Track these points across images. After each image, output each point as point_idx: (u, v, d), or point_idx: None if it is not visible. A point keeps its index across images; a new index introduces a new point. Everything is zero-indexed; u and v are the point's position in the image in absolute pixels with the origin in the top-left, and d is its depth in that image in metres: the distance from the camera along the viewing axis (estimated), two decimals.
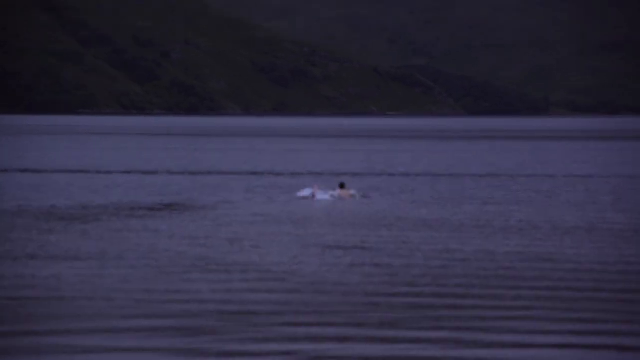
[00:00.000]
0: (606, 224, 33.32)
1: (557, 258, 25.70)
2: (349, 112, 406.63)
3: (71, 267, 24.19)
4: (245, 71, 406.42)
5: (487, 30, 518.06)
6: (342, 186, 42.73)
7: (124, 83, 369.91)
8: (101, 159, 74.73)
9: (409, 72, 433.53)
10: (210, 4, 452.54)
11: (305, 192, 42.75)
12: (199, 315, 18.83)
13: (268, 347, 16.28)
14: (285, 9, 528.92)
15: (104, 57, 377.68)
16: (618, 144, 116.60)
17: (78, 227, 31.88)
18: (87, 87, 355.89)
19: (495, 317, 18.49)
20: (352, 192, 42.15)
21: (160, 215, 36.06)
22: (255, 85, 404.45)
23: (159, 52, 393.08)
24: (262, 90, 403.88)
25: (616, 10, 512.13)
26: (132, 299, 20.39)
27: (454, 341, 16.51)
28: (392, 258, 25.65)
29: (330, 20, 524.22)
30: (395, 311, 19.14)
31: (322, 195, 42.06)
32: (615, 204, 40.56)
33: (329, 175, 54.36)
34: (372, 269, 23.91)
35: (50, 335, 17.07)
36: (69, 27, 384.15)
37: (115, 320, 18.37)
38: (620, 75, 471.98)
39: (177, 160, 73.65)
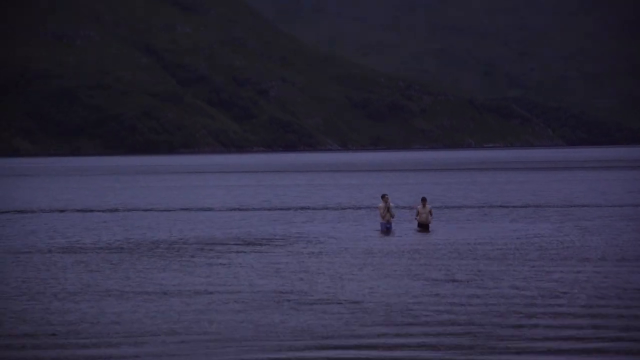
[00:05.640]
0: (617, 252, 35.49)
1: None
2: (445, 145, 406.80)
3: (174, 303, 24.91)
4: (341, 107, 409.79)
5: (582, 60, 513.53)
6: (423, 200, 43.78)
7: (222, 121, 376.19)
8: (169, 198, 76.64)
9: (504, 104, 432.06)
10: (305, 41, 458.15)
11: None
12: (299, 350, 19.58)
13: None
14: (379, 45, 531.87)
15: (203, 96, 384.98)
16: None
17: (163, 263, 32.95)
18: (187, 127, 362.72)
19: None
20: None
21: (251, 250, 36.69)
22: (351, 120, 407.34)
23: (256, 90, 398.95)
24: (358, 125, 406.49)
25: None
26: (237, 336, 20.87)
27: None
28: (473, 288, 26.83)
29: (424, 54, 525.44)
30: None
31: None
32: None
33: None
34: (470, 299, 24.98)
35: None
36: (169, 68, 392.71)
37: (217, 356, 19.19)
38: None
39: (257, 195, 76.56)
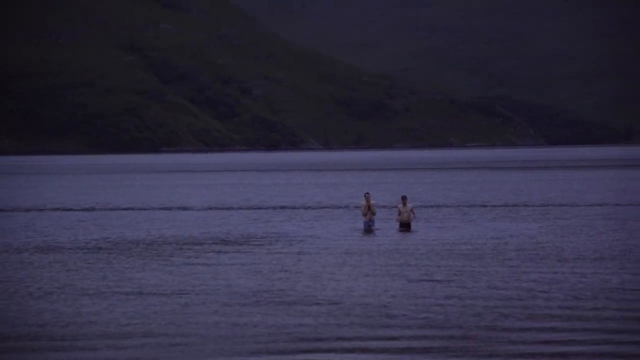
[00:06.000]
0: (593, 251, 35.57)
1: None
2: (428, 144, 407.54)
3: (151, 302, 24.97)
4: (325, 105, 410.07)
5: (567, 59, 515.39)
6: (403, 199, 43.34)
7: (205, 120, 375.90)
8: (147, 197, 76.54)
9: (488, 103, 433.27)
10: (289, 39, 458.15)
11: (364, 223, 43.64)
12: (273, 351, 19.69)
13: None
14: (364, 43, 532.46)
15: (186, 94, 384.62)
16: None
17: (141, 262, 33.11)
18: (170, 125, 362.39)
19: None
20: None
21: (229, 249, 36.66)
22: (335, 119, 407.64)
23: (239, 88, 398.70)
24: (342, 124, 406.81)
25: None
26: (215, 335, 20.97)
27: None
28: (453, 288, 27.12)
29: (409, 52, 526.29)
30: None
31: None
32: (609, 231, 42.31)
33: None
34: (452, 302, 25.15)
35: None
36: (152, 66, 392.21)
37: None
38: None
39: (237, 194, 76.62)
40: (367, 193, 43.86)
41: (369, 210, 43.34)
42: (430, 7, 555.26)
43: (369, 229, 43.21)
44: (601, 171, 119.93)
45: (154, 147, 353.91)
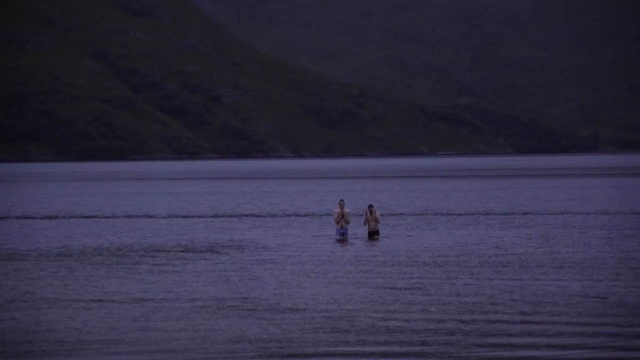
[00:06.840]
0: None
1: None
2: (399, 153, 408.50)
3: (113, 311, 24.90)
4: (294, 114, 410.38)
5: (533, 69, 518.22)
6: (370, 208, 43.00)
7: (174, 128, 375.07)
8: (111, 205, 76.39)
9: (456, 112, 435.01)
10: (258, 48, 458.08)
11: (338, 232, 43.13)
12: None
13: None
14: (332, 52, 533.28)
15: (155, 102, 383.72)
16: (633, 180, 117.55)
17: (104, 270, 33.03)
18: (139, 133, 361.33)
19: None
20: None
21: (195, 257, 36.67)
22: (304, 127, 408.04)
23: (208, 96, 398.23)
24: (311, 132, 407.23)
25: None
26: (186, 344, 20.92)
27: None
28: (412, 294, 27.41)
29: (377, 61, 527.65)
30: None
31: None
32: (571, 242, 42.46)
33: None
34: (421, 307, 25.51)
35: None
36: (120, 74, 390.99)
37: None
38: None
39: (203, 202, 76.64)
40: (342, 200, 43.32)
41: (342, 219, 42.96)
42: (398, 16, 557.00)
43: (341, 238, 42.78)
44: (566, 180, 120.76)
45: (124, 155, 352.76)
